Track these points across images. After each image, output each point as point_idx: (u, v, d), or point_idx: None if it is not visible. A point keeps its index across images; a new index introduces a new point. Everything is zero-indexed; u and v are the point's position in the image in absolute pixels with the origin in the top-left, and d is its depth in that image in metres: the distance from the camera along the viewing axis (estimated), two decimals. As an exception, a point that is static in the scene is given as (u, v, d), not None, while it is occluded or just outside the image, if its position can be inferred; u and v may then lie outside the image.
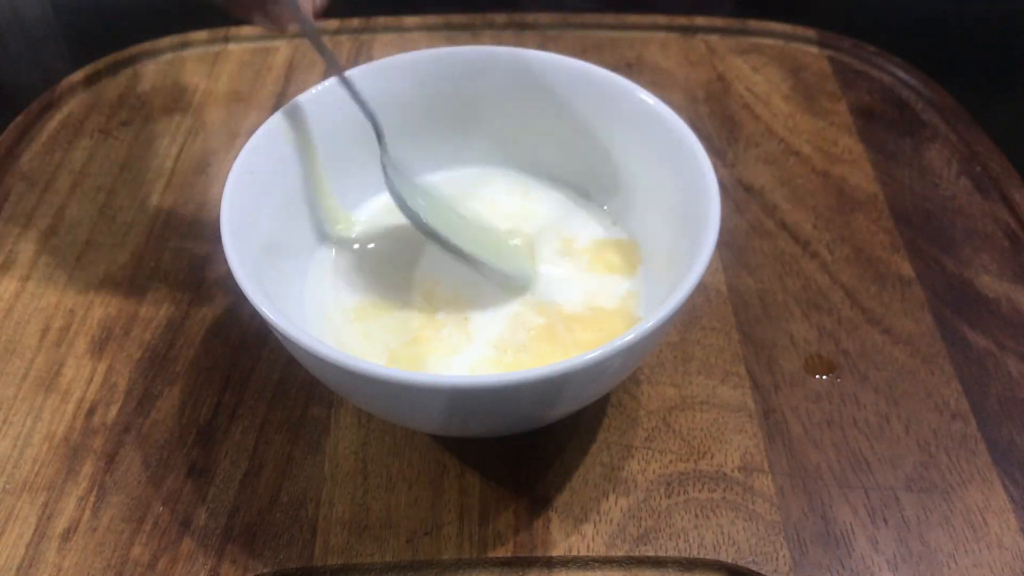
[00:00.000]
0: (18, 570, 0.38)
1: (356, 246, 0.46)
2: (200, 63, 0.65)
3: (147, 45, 0.66)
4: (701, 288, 0.46)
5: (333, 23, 0.68)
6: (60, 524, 0.40)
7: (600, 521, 0.40)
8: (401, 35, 0.67)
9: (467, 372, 0.40)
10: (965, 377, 0.45)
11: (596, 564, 0.38)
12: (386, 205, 0.48)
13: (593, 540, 0.39)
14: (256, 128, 0.41)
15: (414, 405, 0.35)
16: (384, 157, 0.43)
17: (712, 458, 0.42)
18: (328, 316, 0.43)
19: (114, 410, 0.44)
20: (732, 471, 0.41)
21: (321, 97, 0.44)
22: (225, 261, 0.36)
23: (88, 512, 0.40)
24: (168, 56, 0.66)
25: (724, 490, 0.41)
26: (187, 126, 0.60)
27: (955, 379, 0.45)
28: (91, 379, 0.45)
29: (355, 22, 0.68)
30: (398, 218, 0.47)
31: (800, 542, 0.39)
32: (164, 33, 0.67)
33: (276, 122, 0.42)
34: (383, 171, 0.43)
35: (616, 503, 0.40)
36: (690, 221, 0.39)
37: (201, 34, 0.67)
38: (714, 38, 0.68)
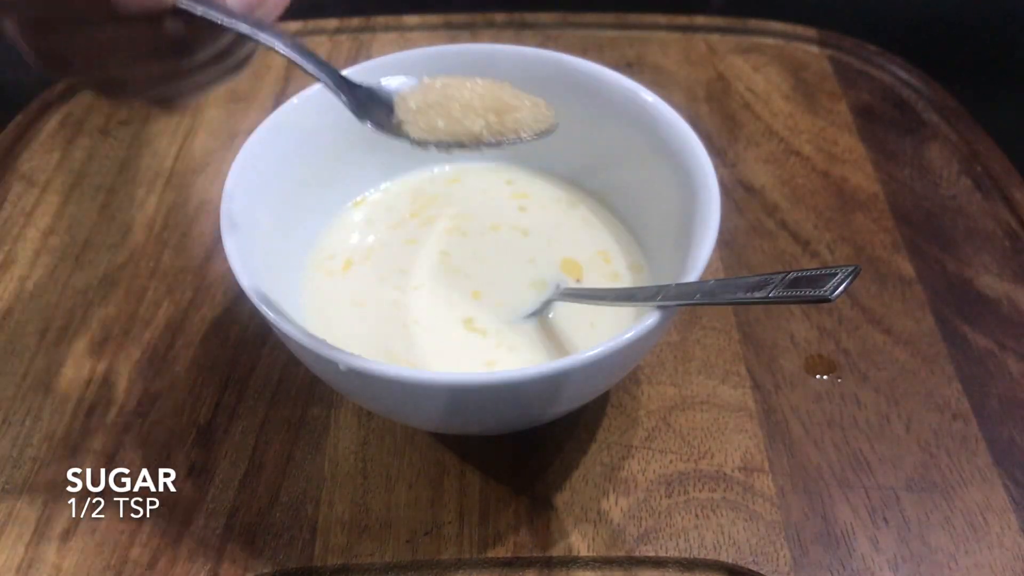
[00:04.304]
0: (18, 570, 0.38)
1: (355, 243, 0.46)
2: (200, 63, 0.65)
3: (147, 45, 0.66)
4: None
5: (333, 23, 0.68)
6: (60, 524, 0.40)
7: (600, 521, 0.40)
8: (401, 35, 0.67)
9: (466, 369, 0.40)
10: (966, 377, 0.45)
11: (596, 564, 0.38)
12: (385, 202, 0.48)
13: (593, 540, 0.39)
14: (255, 127, 0.41)
15: (414, 402, 0.35)
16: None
17: (712, 458, 0.42)
18: (328, 314, 0.43)
19: (114, 410, 0.44)
20: (732, 471, 0.41)
21: (320, 96, 0.44)
22: (225, 261, 0.36)
23: (88, 512, 0.40)
24: (168, 56, 0.65)
25: (724, 490, 0.41)
26: (186, 126, 0.60)
27: (956, 379, 0.45)
28: (91, 379, 0.45)
29: (355, 22, 0.68)
30: (397, 215, 0.47)
31: (800, 542, 0.39)
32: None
33: (275, 121, 0.42)
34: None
35: (616, 503, 0.40)
36: (690, 220, 0.39)
37: (201, 34, 0.67)
38: (714, 37, 0.68)
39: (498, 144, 0.36)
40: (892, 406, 0.44)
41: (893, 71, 0.65)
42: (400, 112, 0.35)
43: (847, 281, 0.27)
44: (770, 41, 0.68)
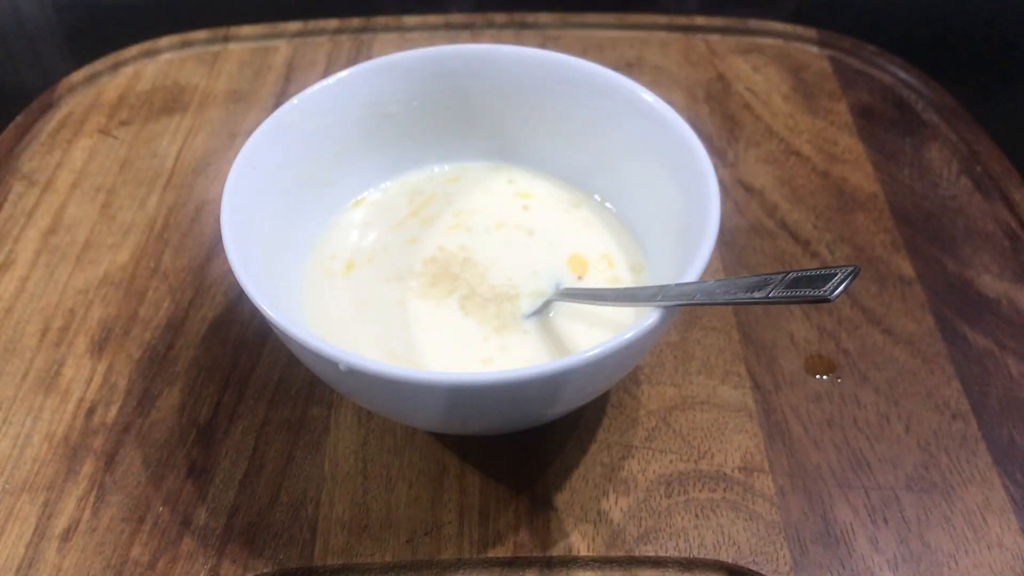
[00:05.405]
0: (18, 570, 0.38)
1: (355, 242, 0.46)
2: (200, 63, 0.65)
3: (147, 45, 0.66)
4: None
5: (333, 23, 0.68)
6: (60, 524, 0.40)
7: (600, 521, 0.40)
8: (401, 35, 0.67)
9: (466, 369, 0.40)
10: (965, 377, 0.45)
11: (596, 564, 0.38)
12: (384, 201, 0.48)
13: (593, 540, 0.39)
14: (256, 127, 0.41)
15: (414, 402, 0.35)
16: None
17: (712, 458, 0.42)
18: (328, 314, 0.43)
19: (114, 410, 0.44)
20: (732, 471, 0.41)
21: (320, 96, 0.44)
22: (225, 261, 0.36)
23: (88, 512, 0.40)
24: (168, 56, 0.66)
25: (724, 490, 0.41)
26: (187, 126, 0.60)
27: (955, 379, 0.45)
28: (91, 379, 0.45)
29: (355, 22, 0.68)
30: (397, 214, 0.47)
31: (800, 542, 0.39)
32: (164, 33, 0.67)
33: (275, 121, 0.42)
34: None
35: (616, 503, 0.40)
36: (690, 220, 0.39)
37: (201, 34, 0.67)
38: (714, 38, 0.68)
39: None
40: (892, 406, 0.44)
41: (893, 71, 0.65)
42: None
43: (847, 281, 0.27)
44: (770, 41, 0.68)
